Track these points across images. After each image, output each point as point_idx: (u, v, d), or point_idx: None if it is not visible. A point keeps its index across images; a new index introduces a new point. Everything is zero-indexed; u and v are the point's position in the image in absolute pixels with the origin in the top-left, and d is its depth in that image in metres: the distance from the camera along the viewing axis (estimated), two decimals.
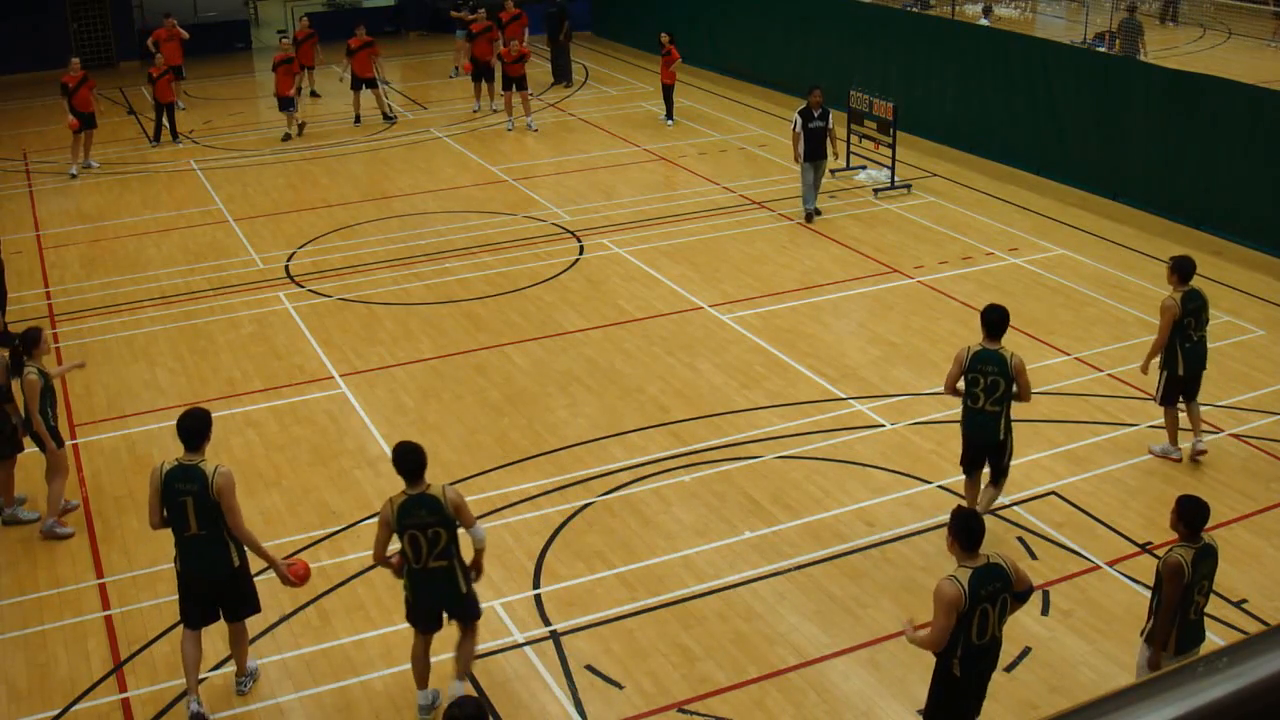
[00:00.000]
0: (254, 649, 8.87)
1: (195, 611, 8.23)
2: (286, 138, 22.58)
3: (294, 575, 8.30)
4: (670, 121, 23.02)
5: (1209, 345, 11.07)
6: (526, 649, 8.86)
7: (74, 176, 20.69)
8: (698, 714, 8.21)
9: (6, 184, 20.69)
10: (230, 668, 8.69)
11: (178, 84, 24.12)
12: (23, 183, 20.72)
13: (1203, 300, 10.79)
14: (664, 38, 22.55)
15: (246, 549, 8.15)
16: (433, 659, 8.21)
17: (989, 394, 9.52)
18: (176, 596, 8.47)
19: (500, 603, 9.36)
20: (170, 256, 16.97)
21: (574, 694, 8.39)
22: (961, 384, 9.65)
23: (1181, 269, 10.75)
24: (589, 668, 8.65)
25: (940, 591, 6.89)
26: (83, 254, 17.22)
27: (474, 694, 8.35)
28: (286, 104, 22.34)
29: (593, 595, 9.45)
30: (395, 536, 7.85)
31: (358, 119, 23.60)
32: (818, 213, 17.67)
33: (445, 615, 8.12)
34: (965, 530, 6.96)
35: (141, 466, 11.50)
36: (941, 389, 10.36)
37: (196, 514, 7.95)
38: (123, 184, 20.49)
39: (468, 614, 8.15)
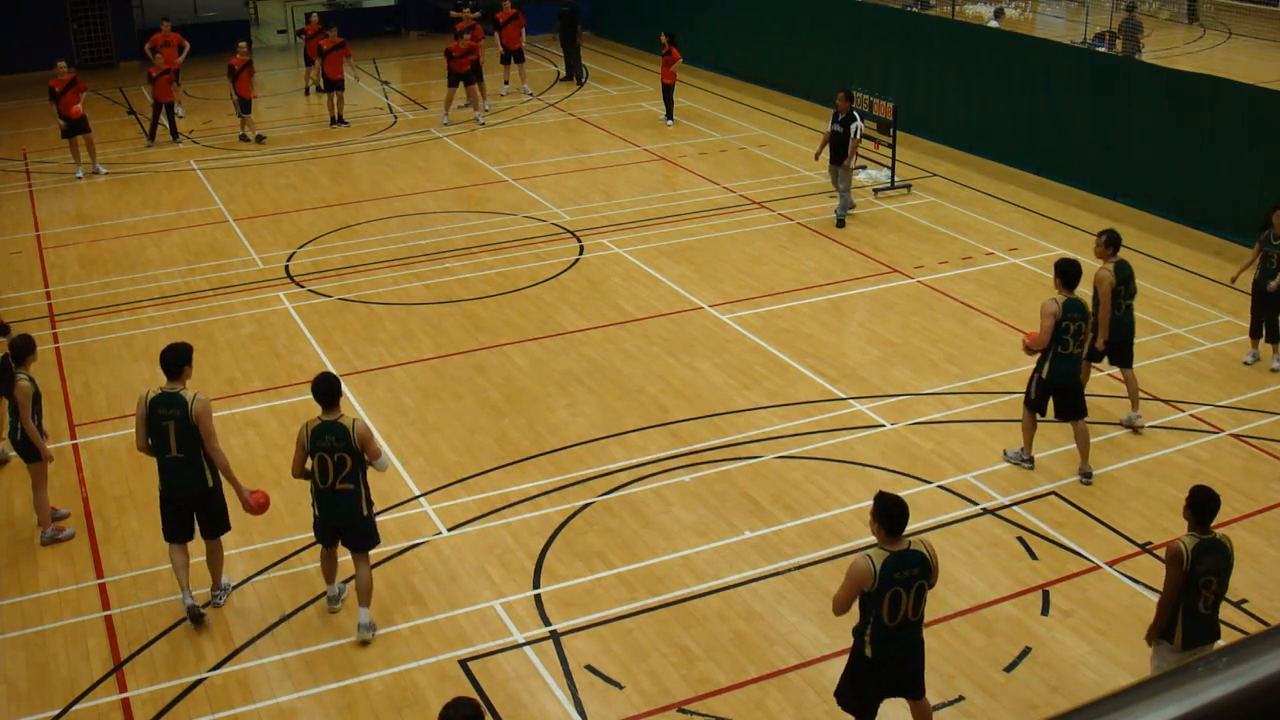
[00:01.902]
0: (254, 649, 8.90)
1: (175, 526, 9.10)
2: (247, 139, 22.42)
3: (255, 503, 9.07)
4: (670, 122, 23.02)
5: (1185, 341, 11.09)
6: (526, 649, 8.86)
7: (80, 178, 20.64)
8: (698, 714, 8.21)
9: (6, 184, 20.68)
10: (234, 666, 8.70)
11: (177, 88, 24.00)
12: (23, 183, 20.72)
13: (1130, 270, 11.52)
14: (664, 38, 22.55)
15: (220, 472, 8.99)
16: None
17: (1076, 338, 10.43)
18: (174, 596, 8.46)
19: (500, 603, 9.37)
20: (170, 256, 16.97)
21: (574, 694, 8.39)
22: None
23: (1114, 241, 11.54)
24: (589, 668, 8.65)
25: (852, 565, 7.08)
26: (83, 254, 17.22)
27: (374, 622, 9.01)
28: (249, 106, 22.19)
29: (593, 595, 9.45)
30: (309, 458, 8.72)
31: (333, 120, 23.51)
32: (848, 209, 17.72)
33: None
34: (886, 515, 7.05)
35: (141, 467, 11.49)
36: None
37: (177, 437, 8.81)
38: (123, 184, 20.48)
39: (362, 538, 8.90)
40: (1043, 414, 10.73)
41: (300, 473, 8.81)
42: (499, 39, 25.10)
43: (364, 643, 8.91)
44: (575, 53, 26.69)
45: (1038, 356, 10.63)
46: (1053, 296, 10.54)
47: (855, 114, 17.28)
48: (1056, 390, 10.60)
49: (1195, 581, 7.28)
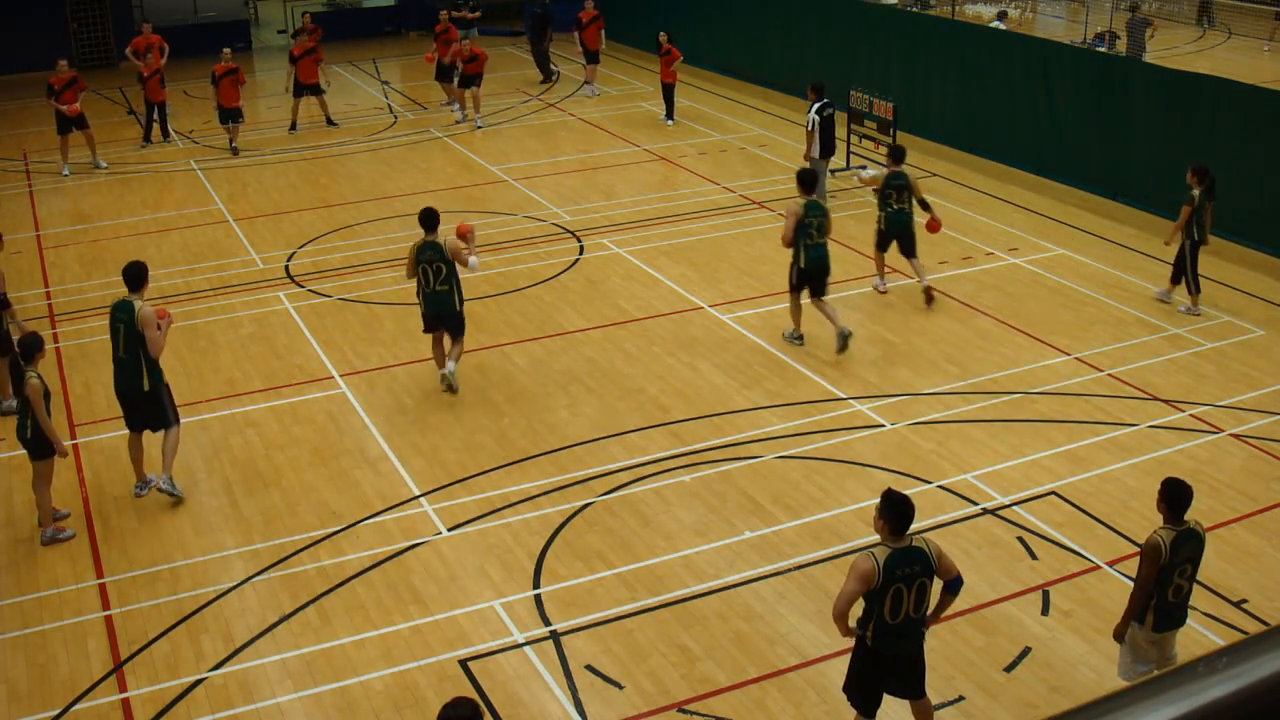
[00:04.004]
0: (254, 649, 8.91)
1: (128, 417, 10.87)
2: (235, 151, 22.08)
3: (167, 322, 10.76)
4: (670, 121, 23.02)
5: None
6: (526, 649, 8.86)
7: (66, 175, 20.73)
8: (698, 714, 8.21)
9: (6, 184, 20.69)
10: (234, 666, 8.71)
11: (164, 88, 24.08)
12: (23, 183, 20.73)
13: (905, 179, 14.44)
14: (662, 37, 22.59)
15: (161, 379, 10.71)
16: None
17: (820, 231, 13.05)
18: (174, 596, 8.73)
19: (500, 603, 9.37)
20: (170, 256, 16.97)
21: (574, 694, 8.39)
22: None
23: (891, 154, 14.72)
24: (589, 668, 8.65)
25: (854, 564, 7.10)
26: (83, 254, 17.22)
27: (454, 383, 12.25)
28: (233, 115, 21.86)
29: (593, 595, 9.45)
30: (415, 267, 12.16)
31: (294, 125, 23.30)
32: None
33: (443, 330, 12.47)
34: (893, 513, 7.08)
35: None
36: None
37: (124, 339, 10.55)
38: (123, 184, 20.49)
39: (456, 327, 12.48)
40: (811, 295, 13.24)
41: (411, 275, 12.37)
42: (579, 40, 25.09)
43: (444, 381, 12.44)
44: (544, 54, 26.80)
45: (794, 251, 13.05)
46: (796, 199, 13.11)
47: (815, 104, 17.67)
48: (812, 274, 13.10)
49: (1171, 572, 7.40)
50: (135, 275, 10.84)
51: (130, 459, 10.98)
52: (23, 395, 10.10)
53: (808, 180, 13.28)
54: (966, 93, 20.72)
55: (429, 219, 12.32)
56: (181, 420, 11.21)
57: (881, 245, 14.80)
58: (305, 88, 22.93)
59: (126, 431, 11.29)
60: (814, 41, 23.93)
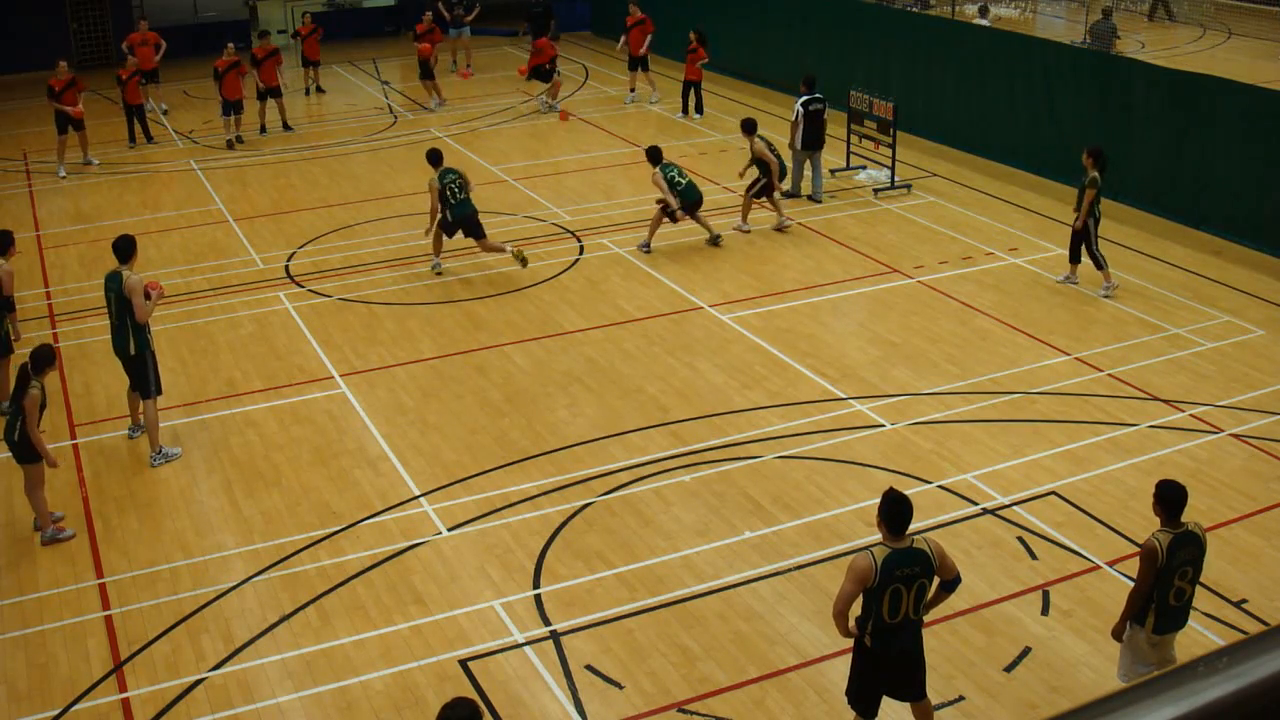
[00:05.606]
0: (254, 649, 8.92)
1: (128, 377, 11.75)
2: (233, 145, 22.25)
3: (154, 291, 11.52)
4: (699, 115, 23.25)
5: None
6: (526, 649, 8.86)
7: (63, 177, 20.75)
8: (698, 714, 8.21)
9: (6, 184, 20.69)
10: (234, 666, 8.71)
11: (156, 88, 24.17)
12: (23, 183, 20.72)
13: (769, 148, 16.85)
14: (692, 36, 22.78)
15: (147, 346, 11.44)
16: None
17: (671, 182, 16.33)
18: (174, 596, 8.86)
19: (500, 603, 9.37)
20: (170, 256, 16.97)
21: (574, 694, 8.39)
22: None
23: (744, 126, 17.29)
24: (589, 668, 8.65)
25: (852, 563, 7.12)
26: (82, 254, 17.22)
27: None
28: (235, 108, 21.99)
29: (593, 595, 9.45)
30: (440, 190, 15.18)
31: (290, 124, 23.41)
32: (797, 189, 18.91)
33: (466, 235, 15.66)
34: (889, 513, 7.10)
35: (141, 466, 11.53)
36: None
37: (115, 306, 11.36)
38: (123, 184, 20.49)
39: (479, 229, 15.59)
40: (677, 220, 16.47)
41: (435, 205, 15.41)
42: (624, 42, 24.83)
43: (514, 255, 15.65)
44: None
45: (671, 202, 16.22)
46: (661, 167, 16.28)
47: (802, 96, 18.29)
48: (690, 205, 16.32)
49: (1170, 575, 7.38)
50: (124, 247, 11.61)
51: (129, 406, 12.05)
52: (20, 403, 10.12)
53: (653, 153, 16.55)
54: (966, 93, 20.72)
55: (435, 155, 15.67)
56: (183, 420, 11.59)
57: (758, 192, 17.03)
58: (267, 90, 22.88)
59: (125, 432, 11.92)
60: (814, 41, 23.93)
